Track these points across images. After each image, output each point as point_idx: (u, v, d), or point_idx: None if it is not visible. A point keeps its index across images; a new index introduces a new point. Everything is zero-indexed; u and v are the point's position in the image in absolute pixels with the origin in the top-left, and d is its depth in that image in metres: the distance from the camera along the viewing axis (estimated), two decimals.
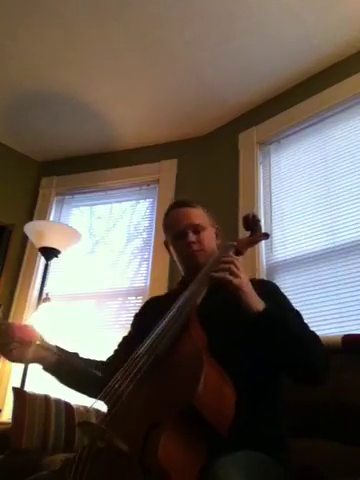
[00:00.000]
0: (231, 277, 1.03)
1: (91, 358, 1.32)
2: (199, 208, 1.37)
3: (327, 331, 1.92)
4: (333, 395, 1.38)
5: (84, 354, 1.32)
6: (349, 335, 1.55)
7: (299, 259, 2.27)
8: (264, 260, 2.43)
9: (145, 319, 1.35)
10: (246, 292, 1.04)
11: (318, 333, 1.11)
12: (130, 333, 1.41)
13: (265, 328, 1.03)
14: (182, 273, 1.38)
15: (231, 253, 1.15)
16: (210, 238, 1.34)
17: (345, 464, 1.19)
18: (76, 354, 1.29)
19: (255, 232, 1.23)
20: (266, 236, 1.24)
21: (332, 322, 2.00)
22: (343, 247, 2.11)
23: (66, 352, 1.25)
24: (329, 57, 2.47)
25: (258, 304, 1.05)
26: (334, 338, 1.53)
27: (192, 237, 1.29)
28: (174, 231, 1.35)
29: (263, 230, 1.26)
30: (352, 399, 1.35)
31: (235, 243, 1.18)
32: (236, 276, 1.04)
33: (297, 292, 2.16)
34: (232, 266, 1.05)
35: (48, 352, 1.18)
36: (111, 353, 1.37)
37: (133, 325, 1.43)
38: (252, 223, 1.23)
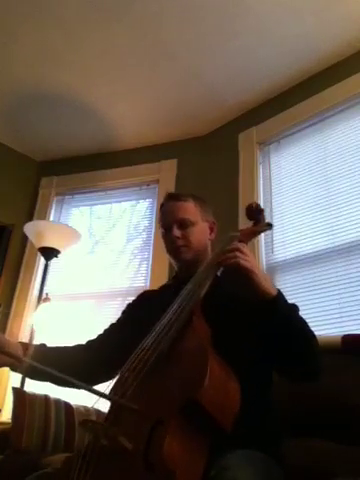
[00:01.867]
0: (242, 260, 1.00)
1: (61, 346, 1.29)
2: (190, 201, 1.34)
3: (327, 331, 1.92)
4: (333, 395, 1.37)
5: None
6: (349, 335, 1.55)
7: (299, 259, 2.27)
8: (264, 260, 2.43)
9: (140, 312, 1.34)
10: (258, 274, 1.01)
11: (318, 333, 1.10)
12: (119, 321, 1.39)
13: (277, 313, 1.01)
14: (175, 268, 1.37)
15: (235, 242, 1.11)
16: (200, 233, 1.31)
17: (345, 464, 1.19)
18: (42, 347, 1.25)
19: (259, 222, 1.19)
20: (269, 226, 1.20)
21: (332, 322, 1.99)
22: (343, 247, 2.11)
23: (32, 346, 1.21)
24: (329, 57, 2.47)
25: (271, 289, 1.03)
26: (334, 338, 1.53)
27: (176, 232, 1.28)
28: (161, 225, 1.35)
29: (266, 220, 1.22)
30: (352, 399, 1.34)
31: (238, 234, 1.15)
32: (246, 260, 1.01)
33: (297, 292, 2.16)
34: (240, 251, 1.02)
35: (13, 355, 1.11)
36: (94, 337, 1.35)
37: (125, 313, 1.41)
38: (256, 212, 1.19)
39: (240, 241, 1.11)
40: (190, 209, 1.33)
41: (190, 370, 0.92)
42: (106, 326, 1.39)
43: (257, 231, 1.21)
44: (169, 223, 1.31)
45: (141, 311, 1.34)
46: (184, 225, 1.29)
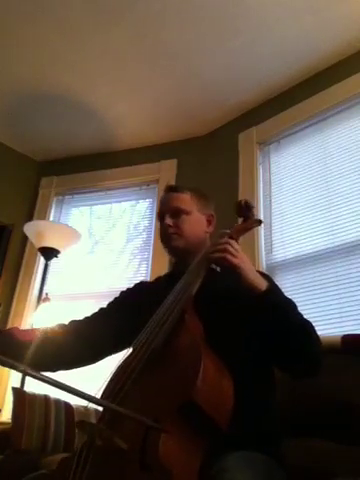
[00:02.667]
0: (229, 256, 1.03)
1: (42, 328, 1.28)
2: (186, 193, 1.34)
3: (327, 331, 1.92)
4: (333, 395, 1.37)
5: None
6: (349, 335, 1.55)
7: (299, 259, 2.27)
8: (264, 260, 2.43)
9: (134, 300, 1.33)
10: (247, 270, 1.04)
11: (318, 333, 1.09)
12: (111, 306, 1.37)
13: (268, 308, 1.01)
14: (172, 260, 1.38)
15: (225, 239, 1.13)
16: (194, 223, 1.30)
17: (345, 464, 1.19)
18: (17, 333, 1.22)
19: (248, 218, 1.21)
20: (259, 222, 1.22)
21: (332, 322, 1.99)
22: (343, 247, 2.11)
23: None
24: (329, 57, 2.47)
25: (261, 284, 1.04)
26: (334, 338, 1.53)
27: (168, 220, 1.29)
28: (157, 215, 1.37)
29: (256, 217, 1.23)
30: (352, 399, 1.34)
31: (228, 231, 1.16)
32: (234, 255, 1.03)
33: (297, 292, 2.16)
34: (228, 246, 1.04)
35: None
36: (80, 318, 1.33)
37: (118, 300, 1.39)
38: (245, 209, 1.20)
39: (230, 238, 1.12)
40: (185, 199, 1.33)
41: (184, 369, 0.91)
42: (95, 310, 1.37)
43: (247, 228, 1.22)
44: (163, 213, 1.33)
45: (136, 300, 1.33)
46: (177, 214, 1.30)
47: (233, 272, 1.04)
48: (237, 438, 0.93)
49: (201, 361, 0.87)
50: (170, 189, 1.38)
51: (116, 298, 1.40)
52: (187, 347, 0.95)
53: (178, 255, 1.30)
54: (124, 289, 1.43)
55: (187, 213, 1.30)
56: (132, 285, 1.44)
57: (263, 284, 1.05)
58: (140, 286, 1.44)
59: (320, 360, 1.05)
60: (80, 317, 1.33)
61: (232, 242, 1.07)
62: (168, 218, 1.30)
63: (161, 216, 1.33)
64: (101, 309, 1.37)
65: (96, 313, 1.36)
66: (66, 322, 1.32)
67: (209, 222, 1.35)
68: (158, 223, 1.37)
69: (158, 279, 1.45)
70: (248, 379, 1.04)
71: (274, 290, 1.08)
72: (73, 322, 1.31)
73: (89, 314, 1.35)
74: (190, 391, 0.83)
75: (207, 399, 0.84)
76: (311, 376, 1.09)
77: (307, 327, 1.06)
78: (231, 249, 1.04)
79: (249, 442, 0.97)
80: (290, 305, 1.08)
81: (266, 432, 1.05)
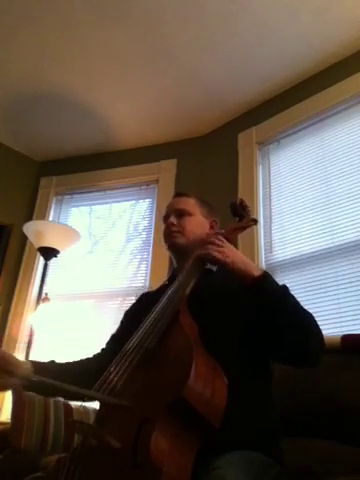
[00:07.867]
0: (214, 248, 1.06)
1: (71, 361, 1.28)
2: (192, 198, 1.41)
3: (326, 331, 1.90)
4: (332, 395, 1.37)
5: (79, 355, 1.30)
6: (348, 335, 1.55)
7: (298, 259, 2.27)
8: (263, 260, 2.43)
9: (137, 314, 1.32)
10: (235, 261, 1.05)
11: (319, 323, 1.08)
12: (118, 331, 1.38)
13: (263, 293, 1.02)
14: (174, 262, 1.39)
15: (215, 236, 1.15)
16: (196, 224, 1.34)
17: (345, 464, 1.19)
18: (51, 364, 1.23)
19: (243, 218, 1.23)
20: (254, 222, 1.24)
21: (331, 322, 1.99)
22: (342, 247, 2.12)
23: (40, 366, 1.17)
24: (328, 57, 2.47)
25: (253, 270, 1.05)
26: (333, 338, 1.53)
27: (172, 219, 1.34)
28: (163, 218, 1.41)
29: (252, 216, 1.26)
30: (351, 399, 1.34)
31: (223, 231, 1.19)
32: (219, 248, 1.06)
33: (296, 292, 2.10)
34: (214, 240, 1.08)
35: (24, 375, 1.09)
36: (98, 351, 1.34)
37: (122, 323, 1.41)
38: (240, 208, 1.24)
39: (225, 237, 1.13)
40: (189, 203, 1.39)
41: (176, 367, 0.91)
42: (107, 339, 1.38)
43: (241, 227, 1.24)
44: (168, 214, 1.38)
45: (140, 313, 1.33)
46: (181, 214, 1.35)
47: (223, 266, 1.06)
48: (233, 437, 0.93)
49: (193, 359, 0.87)
50: (177, 194, 1.47)
51: (121, 321, 1.42)
52: (180, 346, 0.95)
53: (178, 253, 1.33)
54: (128, 308, 1.45)
55: (190, 214, 1.35)
56: (135, 301, 1.47)
57: (256, 271, 1.05)
58: (142, 298, 1.46)
59: (319, 352, 1.04)
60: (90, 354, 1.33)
61: (219, 237, 1.10)
62: (172, 217, 1.35)
63: (166, 217, 1.38)
64: (112, 336, 1.38)
65: (108, 342, 1.36)
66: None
67: (212, 227, 1.39)
68: (161, 224, 1.40)
69: (160, 287, 1.46)
70: (243, 378, 1.05)
71: (268, 277, 1.07)
72: (95, 355, 1.32)
73: (99, 350, 1.35)
74: (181, 389, 0.83)
75: (198, 397, 0.84)
76: (308, 365, 1.09)
77: (305, 315, 1.05)
78: (217, 242, 1.07)
79: (245, 441, 0.97)
80: (286, 290, 1.07)
81: (262, 431, 1.05)
